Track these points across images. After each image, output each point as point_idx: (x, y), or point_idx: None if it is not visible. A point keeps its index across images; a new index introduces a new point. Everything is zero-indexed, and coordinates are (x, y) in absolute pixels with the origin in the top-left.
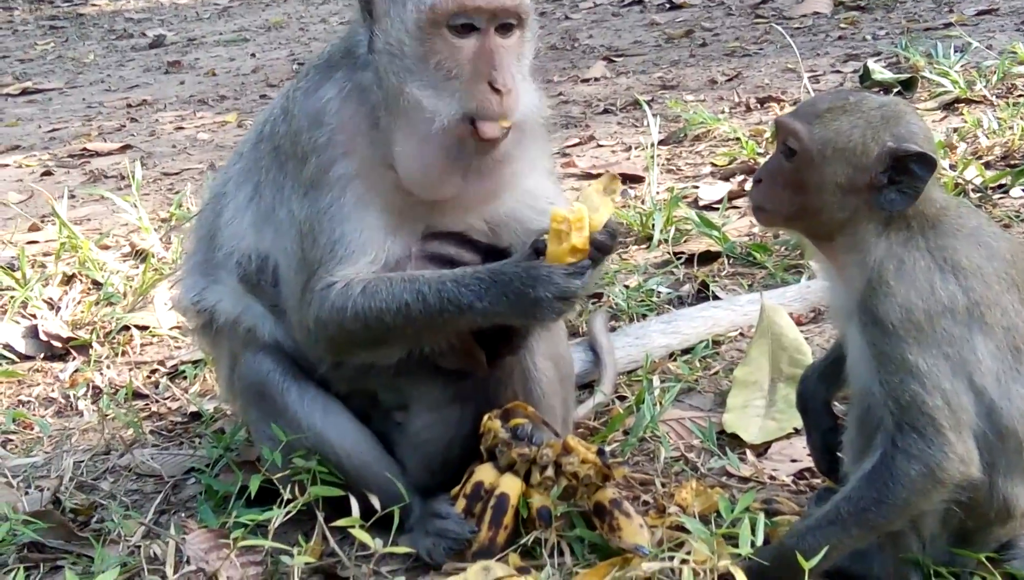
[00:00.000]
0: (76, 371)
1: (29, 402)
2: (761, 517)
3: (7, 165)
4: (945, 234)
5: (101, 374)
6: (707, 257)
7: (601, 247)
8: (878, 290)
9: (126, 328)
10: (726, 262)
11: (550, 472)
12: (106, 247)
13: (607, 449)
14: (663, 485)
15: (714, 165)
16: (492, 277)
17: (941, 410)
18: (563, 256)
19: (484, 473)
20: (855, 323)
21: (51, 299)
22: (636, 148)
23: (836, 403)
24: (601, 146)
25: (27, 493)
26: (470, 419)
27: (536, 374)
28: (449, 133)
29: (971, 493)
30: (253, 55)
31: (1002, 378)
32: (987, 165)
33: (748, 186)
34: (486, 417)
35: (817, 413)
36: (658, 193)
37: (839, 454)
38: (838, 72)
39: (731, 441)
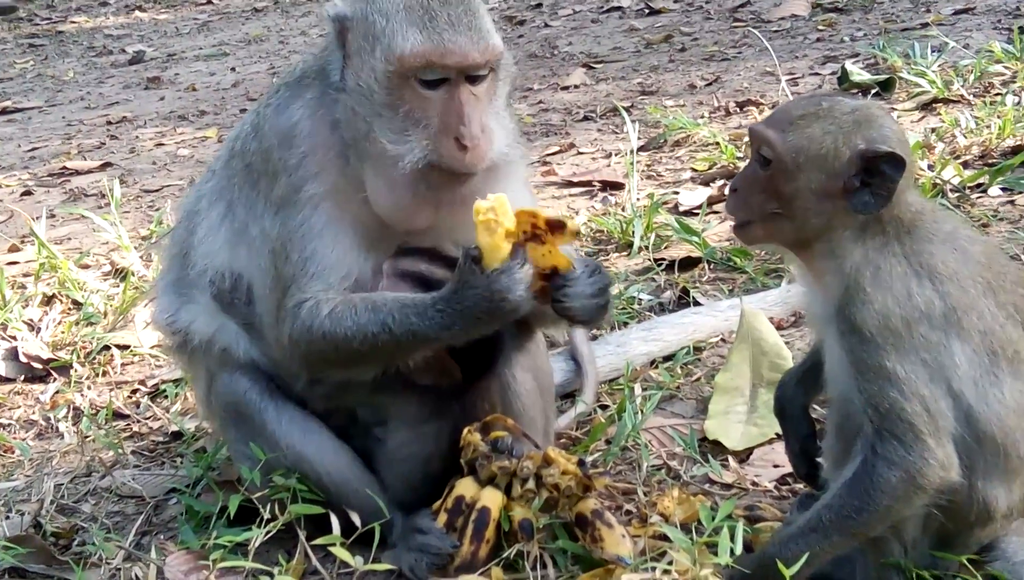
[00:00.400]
0: (57, 393)
1: (10, 425)
2: (740, 525)
3: None
4: (921, 239)
5: (82, 395)
6: (688, 263)
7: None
8: (855, 297)
9: (107, 348)
10: (706, 268)
11: (531, 484)
12: (86, 266)
13: (589, 459)
14: (645, 494)
15: (694, 170)
16: (451, 305)
17: (920, 416)
18: (499, 245)
19: (465, 487)
20: (833, 330)
21: (31, 320)
22: (616, 155)
23: (815, 406)
24: (581, 153)
25: (7, 517)
26: (448, 434)
27: (515, 386)
28: (415, 174)
29: (951, 496)
30: (233, 69)
31: (979, 382)
32: (965, 164)
33: (728, 191)
34: (466, 430)
35: (795, 419)
36: (638, 199)
37: (818, 459)
38: (816, 74)
39: (713, 448)
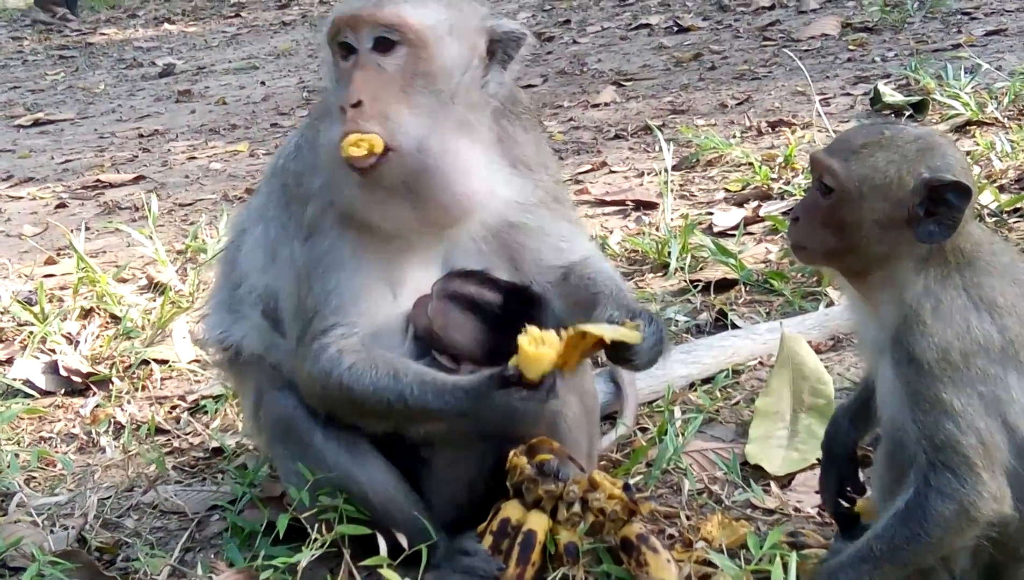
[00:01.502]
0: (97, 406)
1: (51, 438)
2: (794, 556)
3: (21, 197)
4: (981, 271)
5: (122, 409)
6: (724, 285)
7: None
8: (914, 328)
9: (145, 362)
10: (743, 290)
11: (577, 508)
12: (123, 280)
13: (631, 482)
14: (688, 518)
15: (727, 190)
16: (470, 399)
17: (975, 449)
18: (540, 358)
19: (511, 510)
20: (887, 359)
21: (70, 334)
22: (649, 174)
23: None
24: (614, 172)
25: (52, 532)
26: (494, 455)
27: (561, 408)
28: (341, 166)
29: (1001, 529)
30: (263, 83)
31: None
32: (1001, 188)
33: (763, 212)
34: (512, 453)
35: (841, 458)
36: (672, 219)
37: (849, 503)
38: (848, 95)
39: (754, 472)
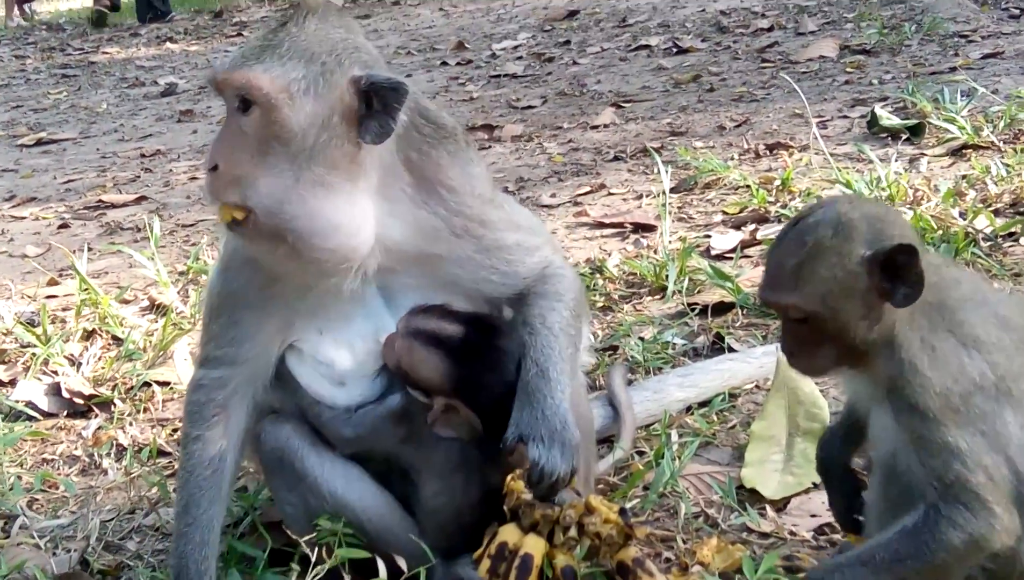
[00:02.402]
0: (99, 428)
1: (53, 460)
2: None
3: (24, 217)
4: (956, 308)
5: (124, 431)
6: (721, 308)
7: None
8: (914, 380)
9: (147, 384)
10: (740, 313)
11: (573, 532)
12: (125, 301)
13: (628, 506)
14: (684, 541)
15: (725, 213)
16: None
17: (985, 486)
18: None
19: (508, 533)
20: (885, 407)
21: (72, 355)
22: (647, 196)
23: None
24: (612, 194)
25: (55, 554)
26: (478, 484)
27: None
28: None
29: (1003, 554)
30: None
31: None
32: (996, 212)
33: (760, 235)
34: (509, 477)
35: (839, 479)
36: (670, 242)
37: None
38: (846, 117)
39: (750, 496)
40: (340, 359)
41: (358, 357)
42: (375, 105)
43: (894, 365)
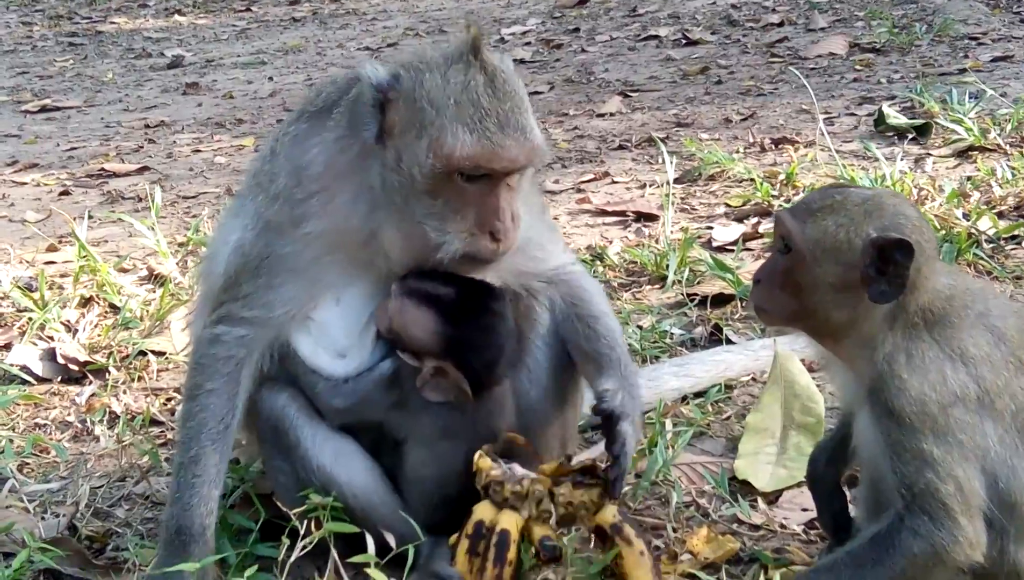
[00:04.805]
0: (93, 395)
1: (46, 425)
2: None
3: (25, 183)
4: (951, 326)
5: (117, 399)
6: (720, 299)
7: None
8: (890, 383)
9: (143, 353)
10: (739, 305)
11: (546, 504)
12: (124, 270)
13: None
14: (675, 530)
15: (728, 206)
16: None
17: (954, 496)
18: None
19: (483, 511)
20: (865, 411)
21: (68, 322)
22: (651, 185)
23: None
24: (616, 183)
25: (43, 519)
26: (464, 454)
27: (532, 405)
28: (451, 261)
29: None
30: (271, 78)
31: (1010, 460)
32: (1000, 215)
33: (762, 229)
34: (477, 455)
35: (828, 495)
36: (672, 232)
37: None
38: (853, 115)
39: (742, 487)
40: (347, 330)
41: (363, 329)
42: None
43: (873, 366)
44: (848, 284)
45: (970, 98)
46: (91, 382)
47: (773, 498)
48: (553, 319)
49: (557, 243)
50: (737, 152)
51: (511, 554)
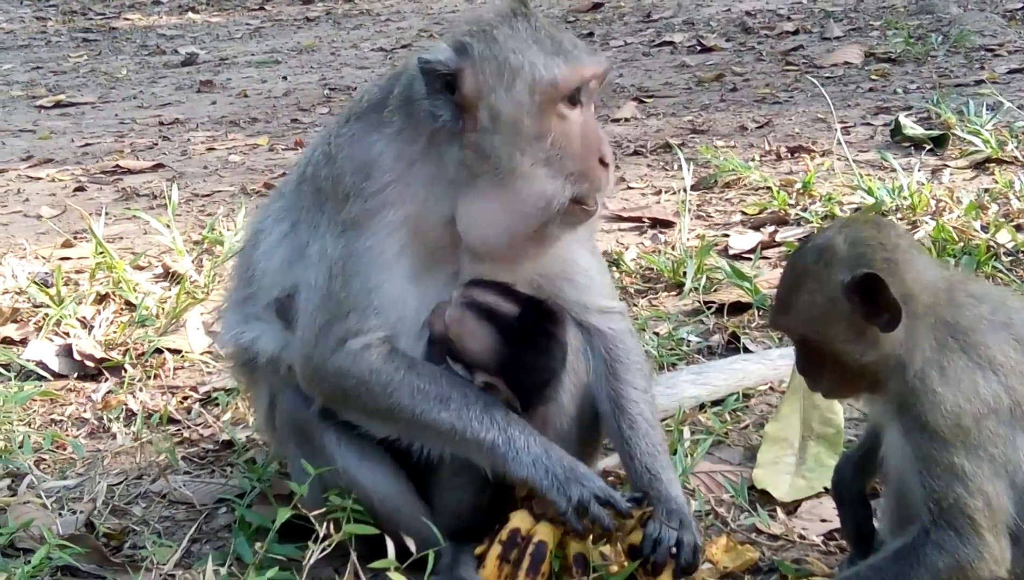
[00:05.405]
0: (109, 392)
1: (62, 421)
2: None
3: (40, 178)
4: (971, 329)
5: (134, 397)
6: (737, 307)
7: None
8: (923, 398)
9: (159, 351)
10: (756, 314)
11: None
12: (140, 268)
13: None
14: None
15: (744, 213)
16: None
17: (982, 512)
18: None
19: (520, 520)
20: (895, 426)
21: (84, 318)
22: (666, 192)
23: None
24: (631, 189)
25: (61, 515)
26: None
27: (562, 419)
28: (552, 213)
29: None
30: (285, 78)
31: None
32: (1018, 228)
33: (779, 237)
34: None
35: (853, 506)
36: (688, 239)
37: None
38: (869, 124)
39: (761, 497)
40: (407, 331)
41: (421, 329)
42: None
43: (905, 383)
44: (859, 330)
45: (987, 110)
46: (107, 379)
47: (792, 508)
48: (586, 368)
49: (606, 281)
50: (753, 160)
51: (545, 566)
